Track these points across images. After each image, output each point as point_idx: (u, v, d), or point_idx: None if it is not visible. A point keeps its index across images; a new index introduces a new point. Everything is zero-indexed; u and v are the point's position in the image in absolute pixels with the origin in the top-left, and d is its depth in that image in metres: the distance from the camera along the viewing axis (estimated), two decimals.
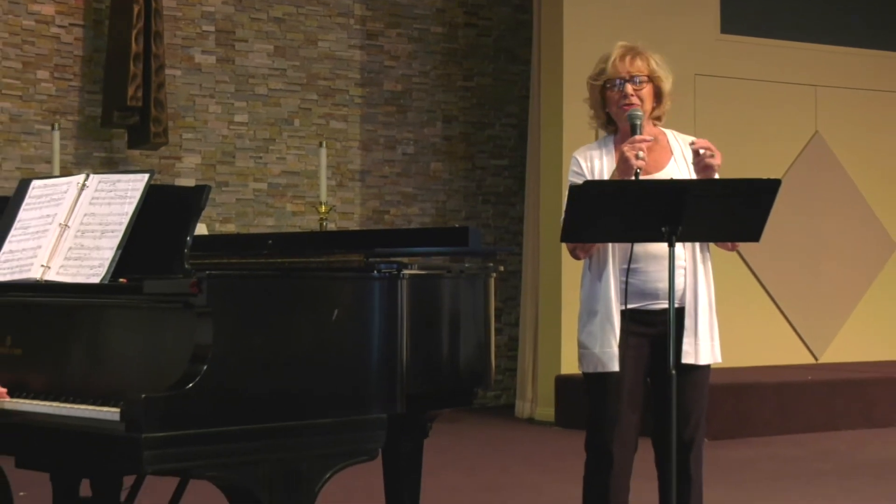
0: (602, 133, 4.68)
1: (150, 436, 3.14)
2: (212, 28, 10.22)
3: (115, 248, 3.62)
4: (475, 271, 4.28)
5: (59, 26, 9.61)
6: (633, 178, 4.22)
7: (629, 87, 4.43)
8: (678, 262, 4.31)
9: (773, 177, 4.17)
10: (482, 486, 7.32)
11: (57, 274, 3.70)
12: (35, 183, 4.00)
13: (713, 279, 4.54)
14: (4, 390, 3.51)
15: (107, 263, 3.60)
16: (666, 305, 4.23)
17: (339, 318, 3.60)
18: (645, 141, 4.32)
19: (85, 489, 4.22)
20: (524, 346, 10.59)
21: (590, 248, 4.45)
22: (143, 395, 3.16)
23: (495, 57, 11.39)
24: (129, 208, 3.67)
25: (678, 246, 4.21)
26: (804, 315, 11.11)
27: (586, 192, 4.18)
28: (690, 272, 4.45)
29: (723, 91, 10.68)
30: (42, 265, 3.73)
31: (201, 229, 4.62)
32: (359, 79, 10.82)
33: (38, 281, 3.72)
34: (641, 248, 4.36)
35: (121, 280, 3.57)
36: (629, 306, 4.40)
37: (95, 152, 9.69)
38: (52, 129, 8.85)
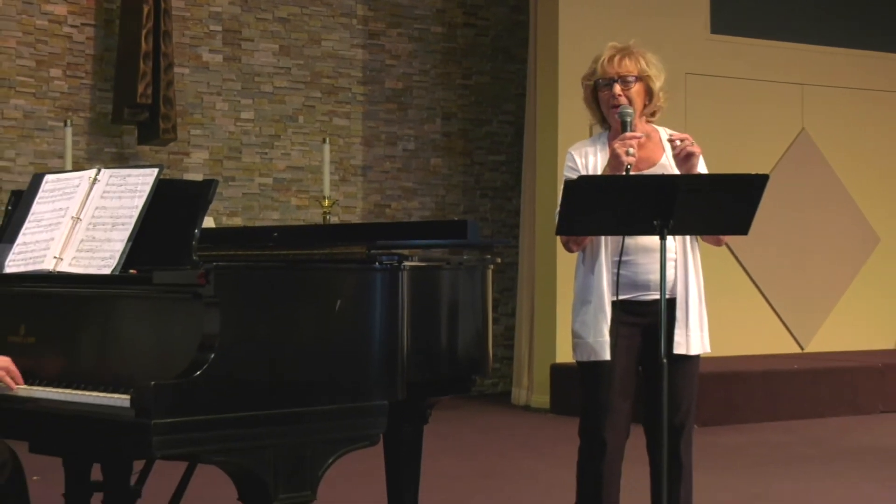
0: (597, 129, 4.68)
1: (159, 422, 3.14)
2: (219, 28, 10.21)
3: (125, 241, 3.62)
4: (473, 263, 4.28)
5: (72, 26, 9.60)
6: (624, 173, 4.22)
7: (617, 88, 4.43)
8: (669, 255, 4.31)
9: (761, 172, 4.18)
10: (480, 471, 7.33)
11: (69, 265, 3.70)
12: (48, 177, 4.00)
13: (702, 271, 4.55)
14: (15, 384, 3.51)
15: (117, 255, 3.60)
16: (657, 296, 4.23)
17: (341, 308, 3.60)
18: (635, 138, 4.31)
19: (96, 473, 4.22)
20: (520, 335, 10.59)
21: (582, 241, 4.45)
22: (153, 383, 3.16)
23: (493, 56, 11.38)
24: (139, 202, 3.67)
25: (669, 239, 4.21)
26: (791, 306, 11.12)
27: (580, 187, 4.18)
28: (681, 264, 4.45)
29: (713, 90, 10.67)
30: (55, 257, 3.73)
31: (209, 222, 4.63)
32: (361, 77, 10.81)
33: (51, 272, 3.72)
34: (633, 240, 4.36)
35: (131, 271, 3.57)
36: (621, 297, 4.40)
37: (106, 148, 9.69)
38: (65, 125, 8.84)
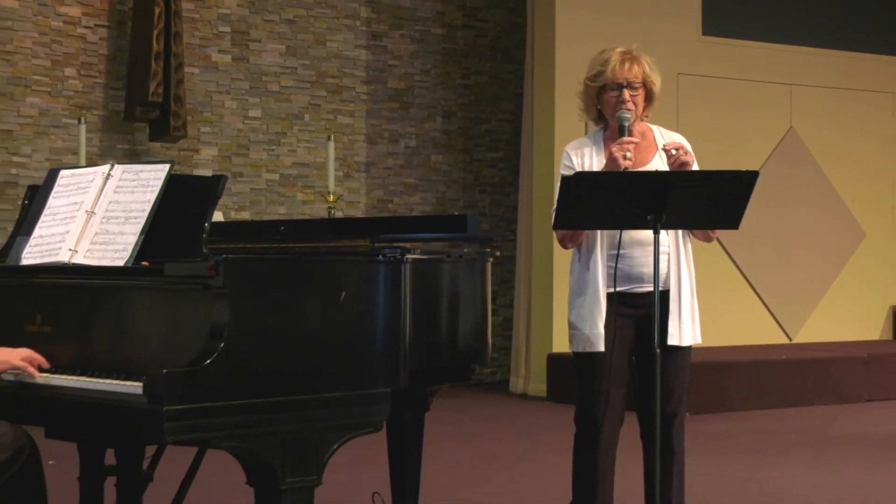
0: (591, 127, 4.68)
1: (170, 408, 3.14)
2: (227, 29, 10.21)
3: (138, 234, 3.61)
4: (473, 256, 4.28)
5: (86, 27, 9.60)
6: None
7: (626, 94, 4.42)
8: (662, 249, 4.31)
9: (751, 169, 4.18)
10: (479, 456, 7.33)
11: (84, 257, 3.70)
12: (63, 172, 3.99)
13: (694, 265, 4.55)
14: (43, 365, 3.52)
15: (130, 248, 3.60)
16: (650, 288, 4.24)
17: (346, 299, 3.60)
18: (632, 142, 4.32)
19: (110, 458, 4.23)
20: (518, 326, 10.60)
21: (578, 239, 4.46)
22: (165, 371, 3.15)
23: (492, 57, 11.38)
24: (152, 196, 3.66)
25: (662, 233, 4.21)
26: (779, 298, 11.12)
27: (577, 183, 4.18)
28: (674, 258, 4.45)
29: (704, 90, 10.67)
30: (70, 249, 3.73)
31: (218, 216, 4.62)
32: (364, 77, 10.81)
33: (66, 264, 3.71)
34: (627, 235, 4.37)
35: (143, 263, 3.57)
36: (616, 289, 4.41)
37: (119, 144, 9.69)
38: (79, 122, 8.84)
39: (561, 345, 9.63)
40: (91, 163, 8.59)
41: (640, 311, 4.40)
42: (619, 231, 4.34)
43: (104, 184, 3.80)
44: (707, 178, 4.25)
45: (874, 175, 11.64)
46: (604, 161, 4.43)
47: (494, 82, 11.38)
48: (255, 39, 10.32)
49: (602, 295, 4.41)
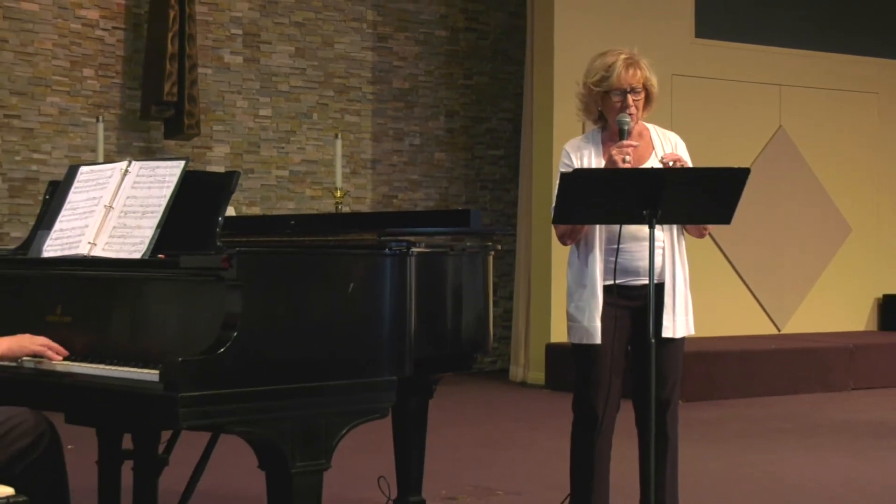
0: (589, 125, 4.68)
1: (185, 395, 3.14)
2: (239, 31, 10.20)
3: (154, 227, 3.61)
4: (475, 249, 4.28)
5: (103, 29, 9.60)
6: None
7: (630, 99, 4.41)
8: (657, 244, 4.32)
9: (742, 166, 4.18)
10: (480, 442, 7.34)
11: (102, 250, 3.70)
12: (83, 169, 3.99)
13: (687, 259, 4.55)
14: (60, 355, 3.52)
15: (147, 241, 3.60)
16: (646, 281, 4.24)
17: (354, 290, 3.60)
18: (631, 146, 4.33)
19: (127, 442, 4.23)
20: (517, 316, 10.60)
21: (577, 236, 4.46)
22: (180, 359, 3.16)
23: (493, 58, 11.37)
24: (167, 191, 3.66)
25: (657, 229, 4.21)
26: (768, 290, 11.12)
27: (575, 179, 4.18)
28: (669, 252, 4.45)
29: (697, 90, 10.66)
30: (89, 242, 3.73)
31: (230, 211, 4.62)
32: (370, 77, 10.80)
33: (85, 256, 3.71)
34: (625, 230, 4.37)
35: (159, 256, 3.57)
36: (615, 282, 4.41)
37: (135, 142, 9.69)
38: (97, 121, 8.83)
39: (559, 335, 9.64)
40: (109, 159, 8.59)
41: (636, 303, 4.40)
42: (618, 227, 4.34)
43: (122, 179, 3.81)
44: (700, 174, 4.25)
45: (860, 172, 11.63)
46: (602, 160, 4.44)
47: (495, 83, 11.37)
48: (266, 41, 10.31)
49: (599, 289, 4.42)
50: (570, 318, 4.52)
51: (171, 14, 9.31)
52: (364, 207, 10.62)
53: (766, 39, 11.12)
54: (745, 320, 10.95)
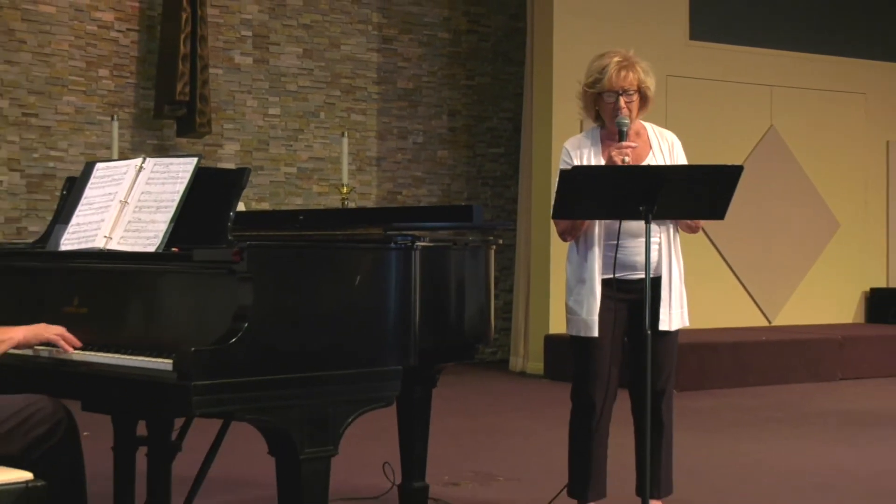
0: (587, 124, 4.68)
1: (198, 383, 3.14)
2: (249, 33, 10.19)
3: (168, 222, 3.61)
4: (477, 244, 4.28)
5: (118, 31, 9.59)
6: None
7: (622, 101, 4.40)
8: (653, 239, 4.32)
9: (735, 164, 4.18)
10: (481, 430, 7.34)
11: (118, 244, 3.70)
12: (99, 165, 3.99)
13: (682, 254, 4.55)
14: (74, 346, 3.52)
15: (161, 235, 3.60)
16: (643, 275, 4.24)
17: (360, 283, 3.59)
18: (630, 146, 4.33)
19: (141, 429, 4.23)
20: (517, 309, 10.60)
21: (577, 233, 4.46)
22: (193, 349, 3.16)
23: (494, 59, 11.36)
24: (181, 187, 3.66)
25: (653, 225, 4.21)
26: (759, 284, 11.12)
27: (574, 176, 4.19)
28: (664, 248, 4.46)
29: (691, 90, 10.65)
30: (105, 236, 3.73)
31: (240, 206, 4.62)
32: (376, 77, 10.79)
33: (101, 249, 3.71)
34: (622, 227, 4.37)
35: (173, 249, 3.57)
36: (614, 276, 4.41)
37: (148, 140, 9.69)
38: (112, 119, 8.84)
39: (557, 326, 9.64)
40: (123, 156, 8.59)
41: (633, 296, 4.41)
42: (618, 224, 4.34)
43: (137, 175, 3.80)
44: (695, 171, 4.25)
45: (848, 170, 11.63)
46: (601, 157, 4.45)
47: (496, 83, 11.36)
48: (275, 43, 10.31)
49: (598, 283, 4.42)
50: (569, 311, 4.52)
51: (184, 16, 9.31)
52: (369, 203, 10.61)
53: (757, 42, 11.11)
54: (737, 313, 10.94)
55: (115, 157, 8.45)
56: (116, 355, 3.42)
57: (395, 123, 10.89)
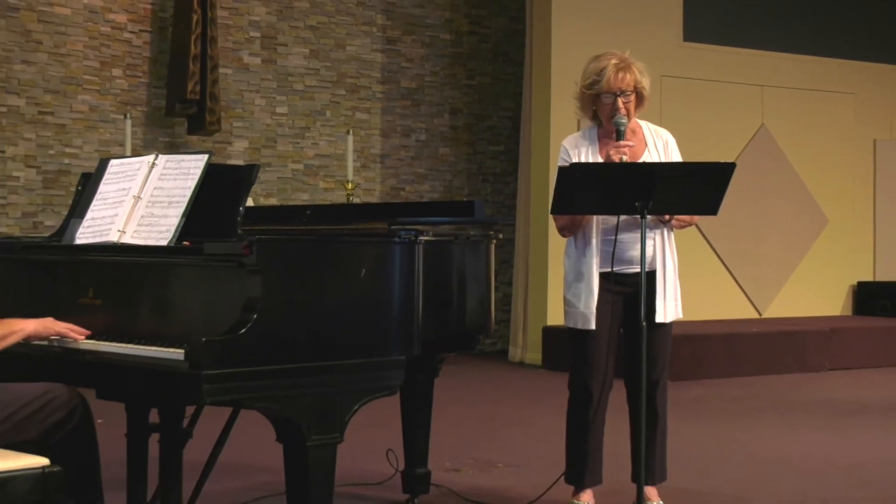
0: (585, 122, 4.67)
1: (209, 372, 3.14)
2: (257, 34, 10.19)
3: (180, 216, 3.61)
4: (478, 238, 4.28)
5: (131, 32, 9.59)
6: None
7: (620, 101, 4.40)
8: (648, 234, 4.31)
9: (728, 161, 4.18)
10: (481, 418, 7.34)
11: (131, 237, 3.70)
12: (113, 161, 3.99)
13: (676, 248, 4.55)
14: (82, 335, 3.53)
15: (173, 229, 3.60)
16: (638, 269, 4.24)
17: (366, 275, 3.60)
18: (628, 146, 4.33)
19: (153, 417, 4.23)
20: (516, 301, 10.60)
21: (576, 229, 4.46)
22: (204, 339, 3.16)
23: (494, 60, 11.35)
24: (192, 183, 3.66)
25: (648, 219, 4.21)
26: (750, 278, 11.12)
27: (573, 173, 4.18)
28: (659, 242, 4.46)
29: (685, 90, 10.65)
30: (119, 230, 3.73)
31: (249, 202, 4.62)
32: (380, 77, 10.79)
33: (115, 243, 3.71)
34: (620, 222, 4.37)
35: (184, 243, 3.57)
36: (608, 270, 4.41)
37: (160, 137, 9.69)
38: (125, 118, 8.83)
39: (555, 318, 9.64)
40: (136, 153, 8.60)
41: (629, 289, 4.41)
42: (616, 220, 4.34)
43: (150, 172, 3.80)
44: (689, 168, 4.26)
45: (837, 167, 11.62)
46: (598, 155, 4.44)
47: (496, 83, 11.35)
48: (283, 44, 10.30)
49: (595, 277, 4.42)
50: (567, 304, 4.52)
51: (195, 18, 9.30)
52: (373, 199, 10.61)
53: (749, 43, 11.10)
54: (728, 305, 10.94)
55: (129, 153, 8.44)
56: (130, 345, 3.42)
57: (398, 122, 10.88)
